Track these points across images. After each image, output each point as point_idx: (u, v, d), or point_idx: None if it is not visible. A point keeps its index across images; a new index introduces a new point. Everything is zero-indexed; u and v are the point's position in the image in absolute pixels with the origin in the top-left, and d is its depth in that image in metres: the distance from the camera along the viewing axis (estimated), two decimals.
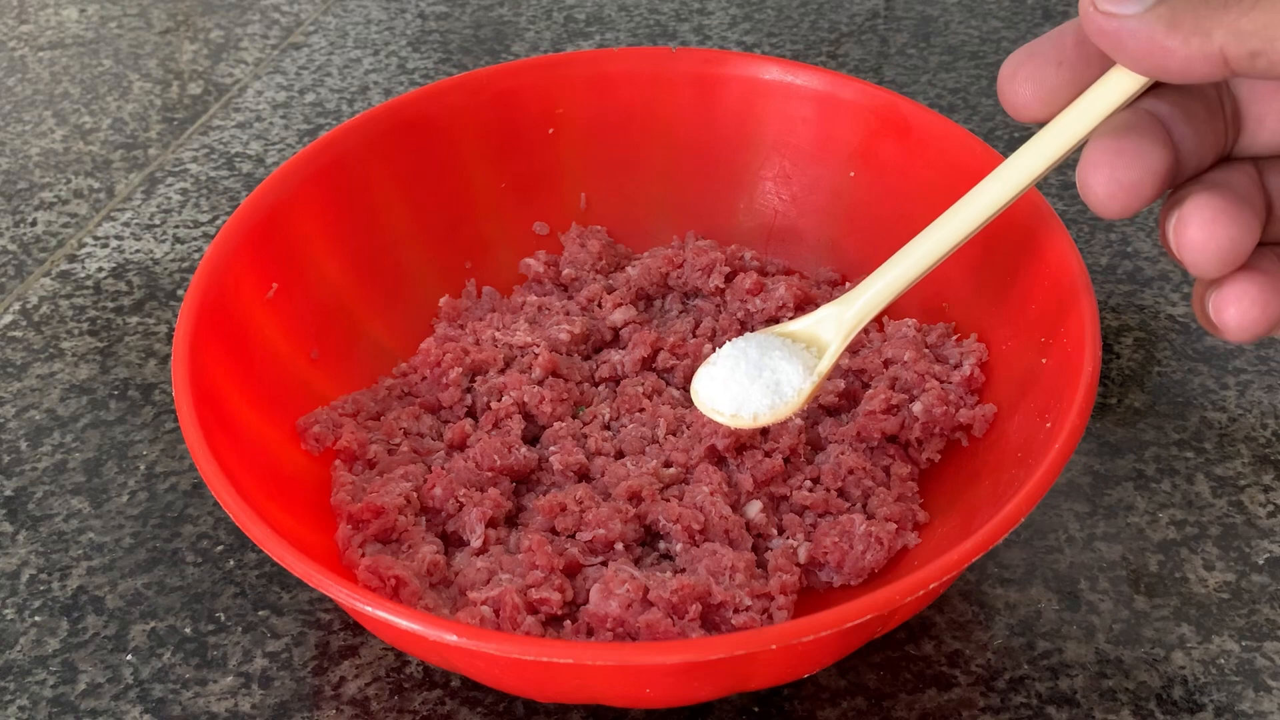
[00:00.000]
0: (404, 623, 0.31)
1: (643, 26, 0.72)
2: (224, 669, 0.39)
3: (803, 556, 0.39)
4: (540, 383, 0.44)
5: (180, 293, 0.54)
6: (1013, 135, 0.62)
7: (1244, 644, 0.39)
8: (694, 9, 0.74)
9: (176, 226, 0.58)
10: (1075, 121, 0.30)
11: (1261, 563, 0.42)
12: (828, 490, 0.41)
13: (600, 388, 0.46)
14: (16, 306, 0.53)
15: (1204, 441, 0.46)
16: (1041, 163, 0.31)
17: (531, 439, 0.44)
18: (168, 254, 0.56)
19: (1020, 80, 0.30)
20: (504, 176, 0.50)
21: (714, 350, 0.42)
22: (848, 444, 0.42)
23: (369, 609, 0.32)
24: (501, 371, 0.45)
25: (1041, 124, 0.31)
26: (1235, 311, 0.29)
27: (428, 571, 0.38)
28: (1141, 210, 0.29)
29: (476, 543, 0.40)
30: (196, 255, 0.56)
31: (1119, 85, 0.29)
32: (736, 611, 0.37)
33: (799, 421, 0.43)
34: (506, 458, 0.42)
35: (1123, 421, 0.47)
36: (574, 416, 0.44)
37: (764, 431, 0.42)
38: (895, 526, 0.39)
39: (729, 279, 0.48)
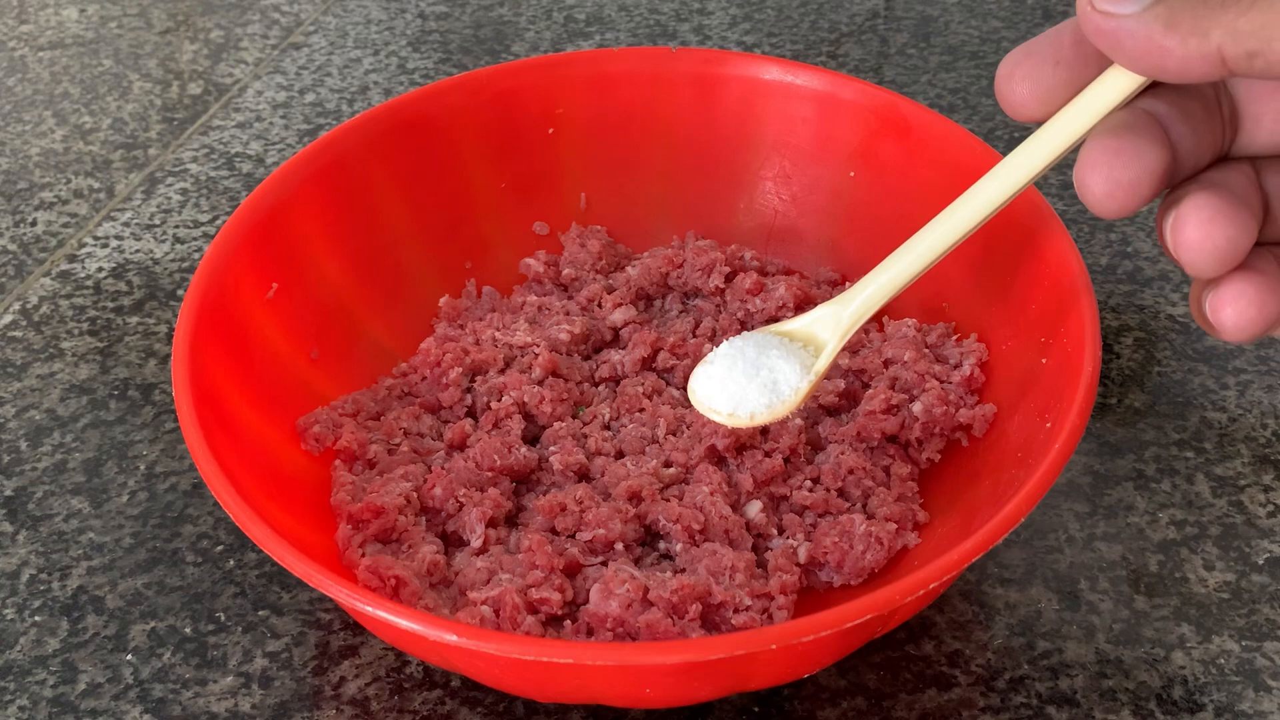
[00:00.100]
0: (404, 623, 0.31)
1: (643, 26, 0.72)
2: (224, 669, 0.39)
3: (803, 556, 0.39)
4: (540, 383, 0.44)
5: (180, 293, 0.54)
6: (1013, 135, 0.62)
7: (1244, 644, 0.39)
8: (694, 9, 0.74)
9: (176, 226, 0.58)
10: (1073, 121, 0.30)
11: (1261, 563, 0.42)
12: (828, 490, 0.41)
13: (600, 388, 0.46)
14: (16, 306, 0.53)
15: (1204, 441, 0.46)
16: (1039, 162, 0.31)
17: (531, 439, 0.44)
18: (168, 254, 0.56)
19: (1018, 79, 0.30)
20: (504, 176, 0.50)
21: (714, 350, 0.42)
22: (848, 444, 0.42)
23: (369, 609, 0.32)
24: (501, 371, 0.45)
25: (1039, 123, 0.31)
26: (1232, 311, 0.29)
27: (428, 571, 0.38)
28: (1139, 210, 0.29)
29: (476, 543, 0.40)
30: (196, 255, 0.56)
31: (1116, 85, 0.29)
32: (736, 611, 0.37)
33: (799, 421, 0.43)
34: (506, 458, 0.42)
35: (1123, 421, 0.47)
36: (574, 416, 0.44)
37: (764, 431, 0.42)
38: (895, 526, 0.39)
39: (729, 279, 0.48)
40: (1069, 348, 0.38)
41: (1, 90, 0.68)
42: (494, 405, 0.44)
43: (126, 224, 0.58)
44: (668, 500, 0.40)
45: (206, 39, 0.72)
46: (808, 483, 0.41)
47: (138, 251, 0.56)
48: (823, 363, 0.38)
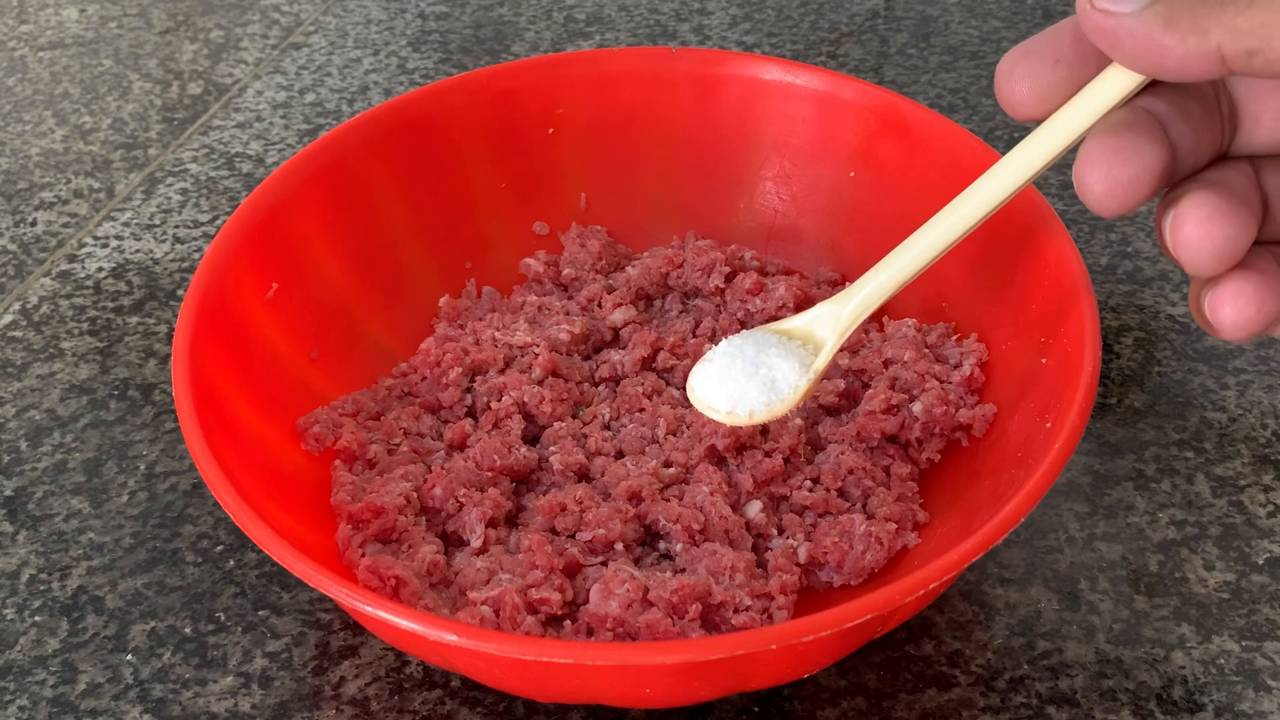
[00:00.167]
0: (404, 623, 0.31)
1: (643, 26, 0.72)
2: (224, 669, 0.39)
3: (803, 556, 0.39)
4: (540, 383, 0.44)
5: (180, 293, 0.54)
6: (1013, 135, 0.62)
7: (1244, 644, 0.39)
8: (694, 9, 0.74)
9: (176, 226, 0.58)
10: (1072, 119, 0.30)
11: (1261, 563, 0.42)
12: (828, 490, 0.41)
13: (600, 388, 0.46)
14: (16, 306, 0.53)
15: (1204, 441, 0.46)
16: (1038, 160, 0.31)
17: (531, 439, 0.44)
18: (168, 254, 0.56)
19: (1017, 78, 0.30)
20: (504, 176, 0.50)
21: (713, 349, 0.42)
22: (848, 444, 0.42)
23: (369, 609, 0.32)
24: (501, 371, 0.45)
25: (1039, 122, 0.31)
26: (1231, 310, 0.29)
27: (428, 571, 0.38)
28: (1139, 208, 0.29)
29: (476, 543, 0.40)
30: (196, 255, 0.56)
31: (1116, 83, 0.29)
32: (736, 611, 0.37)
33: (799, 421, 0.43)
34: (506, 458, 0.42)
35: (1123, 421, 0.47)
36: (574, 416, 0.44)
37: (764, 431, 0.42)
38: (895, 526, 0.39)
39: (729, 279, 0.48)
40: (1069, 348, 0.38)
41: (1, 90, 0.68)
42: (494, 405, 0.44)
43: (126, 224, 0.58)
44: (668, 500, 0.40)
45: (206, 39, 0.72)
46: (808, 483, 0.41)
47: (138, 251, 0.56)
48: (822, 361, 0.38)
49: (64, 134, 0.64)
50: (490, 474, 0.41)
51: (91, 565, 0.43)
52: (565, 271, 0.49)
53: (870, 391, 0.43)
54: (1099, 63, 0.30)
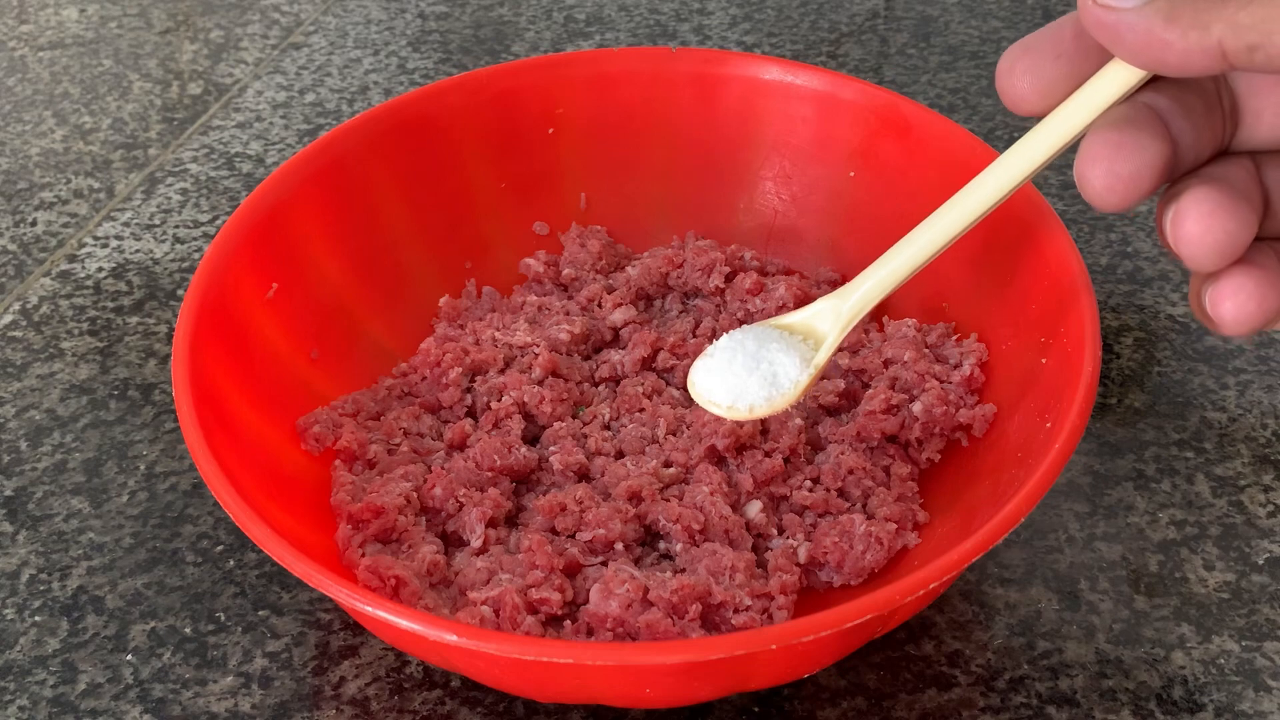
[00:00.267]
0: (404, 623, 0.31)
1: (643, 26, 0.72)
2: (224, 669, 0.39)
3: (803, 556, 0.39)
4: (540, 383, 0.44)
5: (180, 293, 0.54)
6: (1013, 135, 0.62)
7: (1244, 644, 0.39)
8: (694, 9, 0.74)
9: (176, 226, 0.58)
10: (1073, 115, 0.30)
11: (1261, 563, 0.42)
12: (828, 490, 0.41)
13: (600, 388, 0.46)
14: (16, 306, 0.53)
15: (1204, 441, 0.46)
16: (1039, 156, 0.31)
17: (531, 439, 0.44)
18: (168, 254, 0.56)
19: (1018, 73, 0.30)
20: (504, 176, 0.50)
21: (714, 343, 0.42)
22: (848, 444, 0.42)
23: (369, 609, 0.32)
24: (501, 371, 0.45)
25: (1040, 117, 0.31)
26: (1231, 305, 0.29)
27: (428, 571, 0.38)
28: (1139, 203, 0.29)
29: (476, 543, 0.40)
30: (196, 255, 0.56)
31: (1117, 79, 0.29)
32: (736, 611, 0.37)
33: (799, 421, 0.43)
34: (506, 458, 0.42)
35: (1123, 421, 0.47)
36: (574, 416, 0.44)
37: (764, 431, 0.42)
38: (895, 526, 0.39)
39: (729, 279, 0.48)
40: (1069, 348, 0.38)
41: (1, 90, 0.68)
42: (494, 405, 0.44)
43: (126, 224, 0.58)
44: (668, 500, 0.40)
45: (206, 39, 0.72)
46: (808, 483, 0.41)
47: (138, 251, 0.56)
48: (822, 356, 0.38)
49: (64, 134, 0.64)
50: (490, 474, 0.41)
51: (91, 565, 0.43)
52: (565, 271, 0.49)
53: (870, 391, 0.43)
54: (1100, 58, 0.29)
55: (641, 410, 0.44)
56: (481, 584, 0.38)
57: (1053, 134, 0.31)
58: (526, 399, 0.44)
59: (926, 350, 0.44)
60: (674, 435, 0.43)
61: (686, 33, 0.71)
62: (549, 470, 0.42)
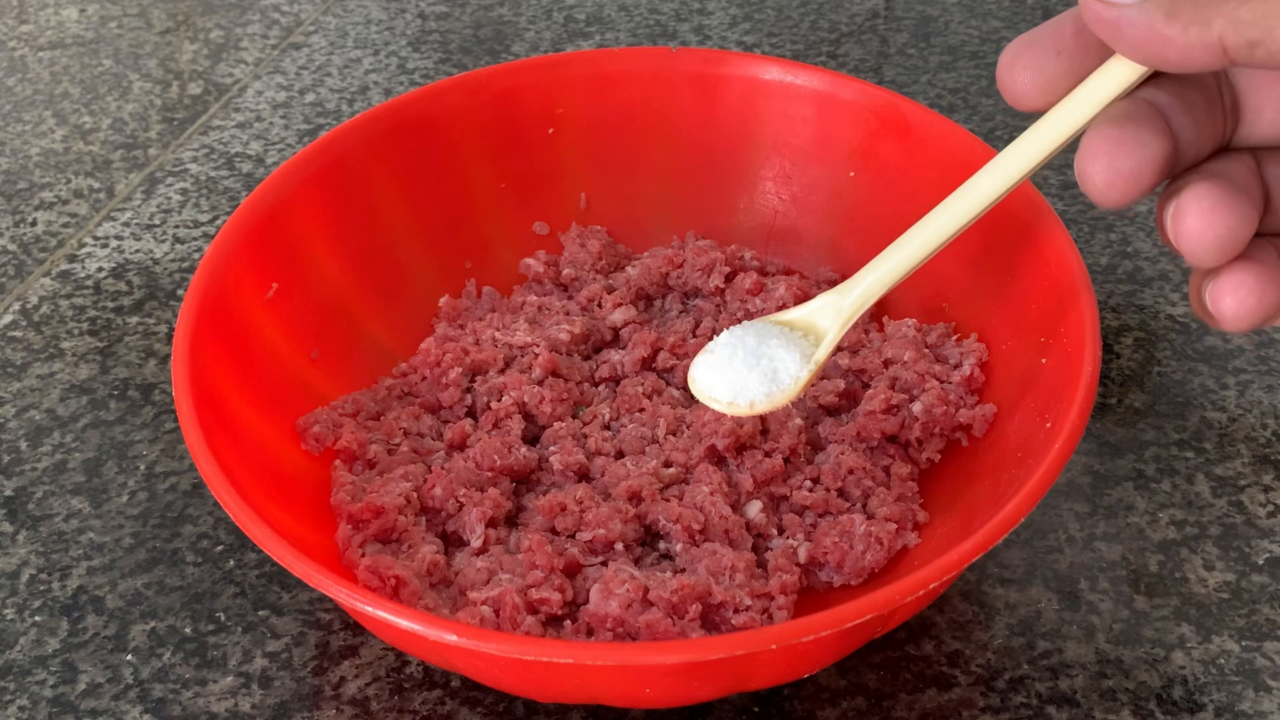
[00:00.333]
0: (404, 623, 0.31)
1: (643, 26, 0.72)
2: (224, 669, 0.39)
3: (803, 556, 0.39)
4: (540, 383, 0.44)
5: (180, 293, 0.54)
6: (1013, 135, 0.61)
7: (1244, 644, 0.39)
8: (694, 9, 0.74)
9: (176, 226, 0.58)
10: (1074, 110, 0.30)
11: (1261, 563, 0.42)
12: (828, 490, 0.41)
13: (600, 388, 0.46)
14: (16, 306, 0.53)
15: (1204, 441, 0.46)
16: (1040, 151, 0.31)
17: (531, 439, 0.44)
18: (168, 254, 0.56)
19: (1019, 69, 0.30)
20: (504, 176, 0.50)
21: (714, 339, 0.42)
22: (848, 444, 0.42)
23: (369, 609, 0.32)
24: (501, 371, 0.45)
25: (1040, 113, 0.31)
26: (1232, 301, 0.29)
27: (428, 571, 0.38)
28: (1140, 199, 0.29)
29: (476, 543, 0.40)
30: (196, 255, 0.56)
31: (1118, 74, 0.29)
32: (736, 611, 0.37)
33: (799, 421, 0.43)
34: (506, 458, 0.42)
35: (1123, 421, 0.47)
36: (574, 416, 0.44)
37: (764, 431, 0.42)
38: (895, 526, 0.39)
39: (729, 279, 0.48)
40: (1069, 348, 0.38)
41: (1, 90, 0.68)
42: (494, 405, 0.44)
43: (126, 224, 0.58)
44: (668, 500, 0.40)
45: (206, 39, 0.72)
46: (808, 483, 0.41)
47: (138, 251, 0.56)
48: (823, 352, 0.38)
49: (64, 134, 0.64)
50: (490, 474, 0.41)
51: (91, 565, 0.43)
52: (565, 271, 0.49)
53: (870, 391, 0.43)
54: (1101, 54, 0.29)
55: (641, 410, 0.44)
56: (481, 584, 0.38)
57: (1054, 130, 0.31)
58: (526, 399, 0.44)
59: (926, 350, 0.44)
60: (674, 435, 0.43)
61: (686, 33, 0.71)
62: (549, 470, 0.42)
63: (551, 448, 0.43)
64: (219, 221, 0.58)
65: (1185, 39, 0.26)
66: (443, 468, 0.42)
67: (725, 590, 0.37)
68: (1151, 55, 0.27)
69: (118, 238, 0.57)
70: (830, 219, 0.49)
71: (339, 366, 0.45)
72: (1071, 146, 0.31)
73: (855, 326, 0.46)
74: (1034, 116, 0.31)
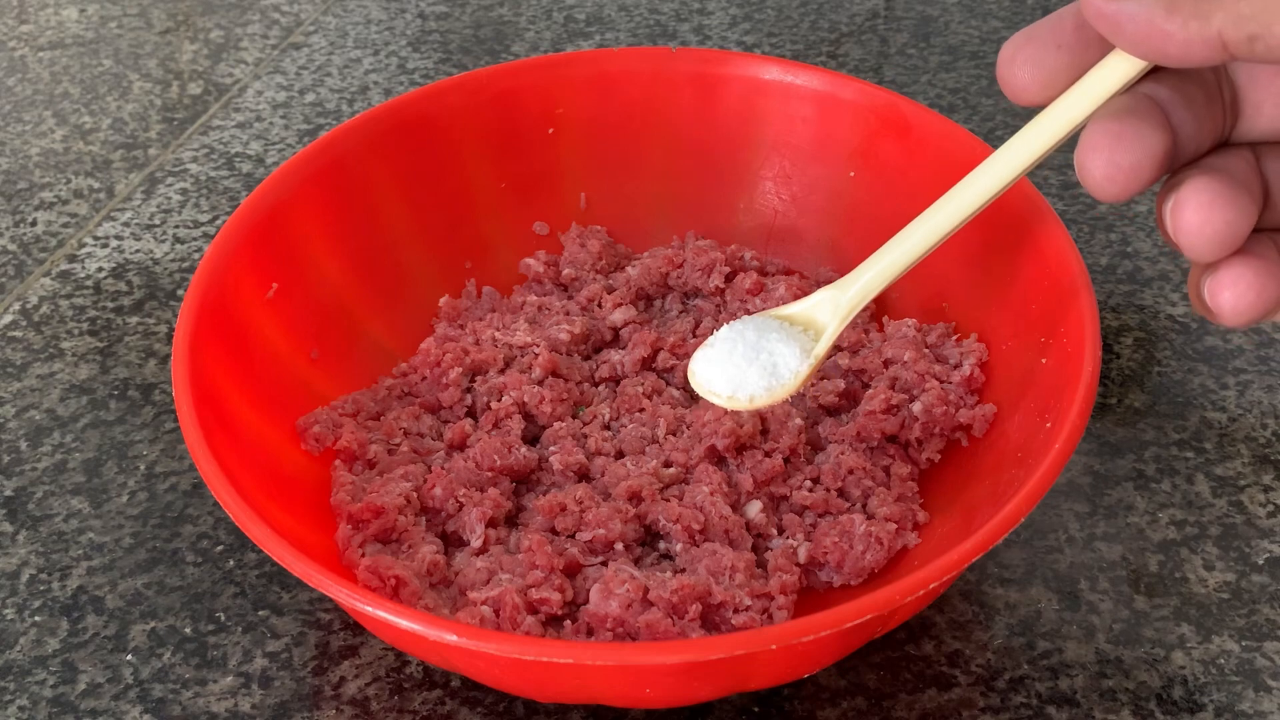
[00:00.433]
0: (404, 623, 0.31)
1: (643, 26, 0.72)
2: (224, 669, 0.39)
3: (803, 556, 0.39)
4: (540, 383, 0.44)
5: (180, 293, 0.54)
6: (1013, 135, 0.62)
7: (1244, 644, 0.39)
8: (694, 9, 0.74)
9: (176, 226, 0.58)
10: (1074, 105, 0.30)
11: (1261, 563, 0.42)
12: (828, 490, 0.41)
13: (600, 388, 0.46)
14: (16, 306, 0.53)
15: (1204, 441, 0.46)
16: (1040, 146, 0.31)
17: (531, 439, 0.44)
18: (168, 254, 0.56)
19: (1019, 63, 0.30)
20: (504, 176, 0.50)
21: (714, 333, 0.42)
22: (848, 444, 0.42)
23: (369, 609, 0.32)
24: (501, 371, 0.45)
25: (1040, 108, 0.31)
26: (1230, 295, 0.29)
27: (428, 571, 0.38)
28: (1139, 194, 0.29)
29: (476, 543, 0.40)
30: (196, 255, 0.56)
31: (1118, 69, 0.29)
32: (736, 611, 0.37)
33: (799, 421, 0.43)
34: (506, 458, 0.42)
35: (1123, 421, 0.47)
36: (574, 416, 0.44)
37: (764, 431, 0.42)
38: (895, 526, 0.39)
39: (729, 279, 0.48)
40: (1069, 348, 0.38)
41: (1, 90, 0.68)
42: (494, 405, 0.44)
43: (126, 224, 0.58)
44: (668, 500, 0.40)
45: (206, 39, 0.72)
46: (808, 483, 0.41)
47: (138, 251, 0.56)
48: (822, 346, 0.38)
49: (64, 134, 0.64)
50: (490, 474, 0.41)
51: (91, 565, 0.43)
52: (565, 271, 0.49)
53: (870, 391, 0.43)
54: (1101, 48, 0.29)
55: (641, 410, 0.44)
56: (481, 584, 0.38)
57: (1054, 124, 0.31)
58: (526, 399, 0.44)
59: (926, 350, 0.44)
60: (674, 435, 0.43)
61: (686, 33, 0.71)
62: (549, 470, 0.42)
63: (551, 448, 0.43)
64: (219, 221, 0.58)
65: (1185, 34, 0.26)
66: (443, 468, 0.42)
67: (725, 590, 0.37)
68: (1151, 50, 0.27)
69: (118, 238, 0.57)
70: (830, 219, 0.49)
71: (339, 366, 0.45)
72: (1071, 144, 0.31)
73: (855, 326, 0.46)
74: (1033, 112, 0.31)
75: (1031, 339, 0.40)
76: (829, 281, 0.48)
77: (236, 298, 0.41)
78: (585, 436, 0.43)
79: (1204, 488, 0.44)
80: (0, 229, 0.58)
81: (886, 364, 0.44)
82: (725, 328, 0.39)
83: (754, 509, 0.40)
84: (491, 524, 0.40)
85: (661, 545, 0.40)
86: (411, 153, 0.48)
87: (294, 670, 0.39)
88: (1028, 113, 0.31)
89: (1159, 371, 0.49)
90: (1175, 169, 0.30)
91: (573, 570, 0.39)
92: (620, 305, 0.48)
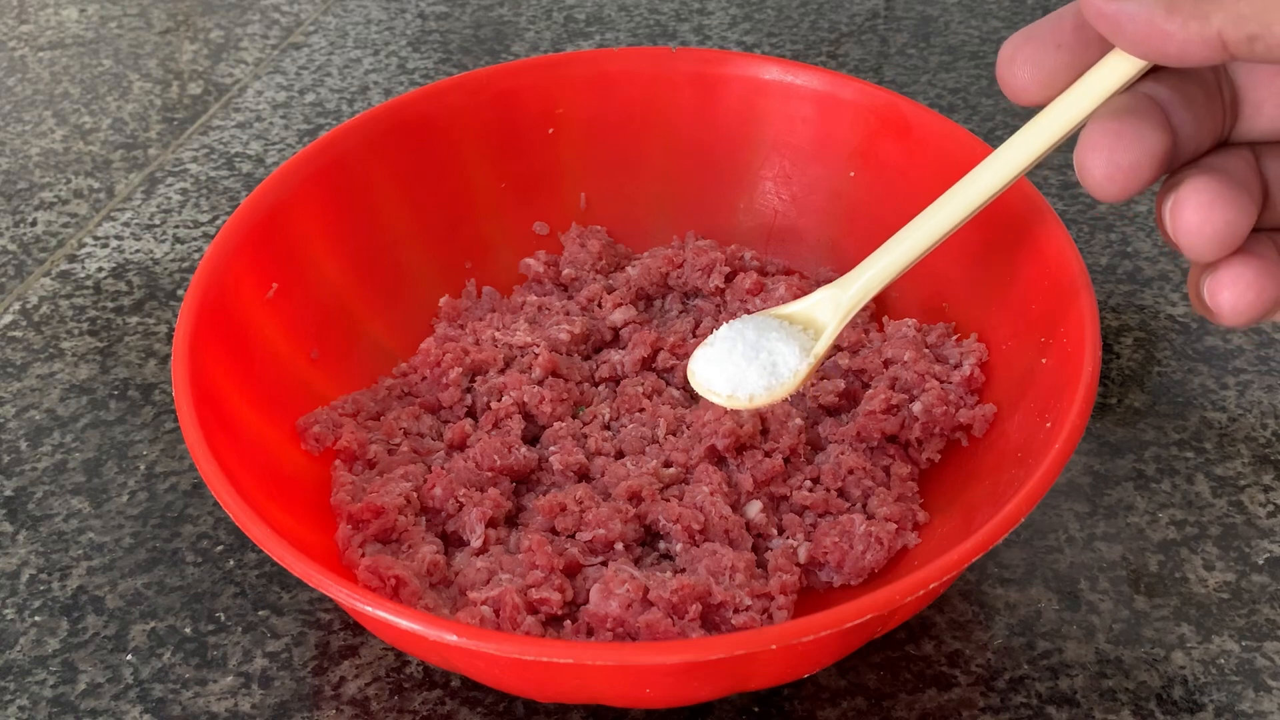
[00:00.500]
0: (404, 623, 0.31)
1: (643, 26, 0.72)
2: (224, 669, 0.39)
3: (803, 556, 0.39)
4: (540, 383, 0.44)
5: (180, 293, 0.54)
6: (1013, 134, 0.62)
7: (1244, 644, 0.39)
8: (694, 9, 0.74)
9: (176, 226, 0.58)
10: (1074, 104, 0.30)
11: (1261, 563, 0.42)
12: (828, 490, 0.41)
13: (600, 388, 0.46)
14: (16, 306, 0.53)
15: (1204, 441, 0.46)
16: (1040, 145, 0.31)
17: (531, 439, 0.44)
18: (168, 254, 0.56)
19: (1019, 63, 0.30)
20: (504, 176, 0.50)
21: (714, 332, 0.42)
22: (848, 444, 0.42)
23: (369, 609, 0.32)
24: (501, 371, 0.45)
25: (1039, 108, 0.31)
26: (1230, 295, 0.29)
27: (428, 571, 0.38)
28: (1139, 193, 0.29)
29: (476, 543, 0.40)
30: (196, 255, 0.56)
31: (1117, 69, 0.29)
32: (736, 611, 0.37)
33: (799, 421, 0.43)
34: (506, 458, 0.42)
35: (1123, 421, 0.47)
36: (574, 416, 0.44)
37: (764, 431, 0.42)
38: (895, 526, 0.39)
39: (729, 279, 0.48)
40: (1069, 347, 0.38)
41: (1, 90, 0.68)
42: (494, 405, 0.44)
43: (126, 224, 0.58)
44: (668, 500, 0.40)
45: (206, 39, 0.72)
46: (808, 483, 0.41)
47: (138, 251, 0.56)
48: (822, 345, 0.38)
49: (64, 134, 0.64)
50: (490, 474, 0.41)
51: (91, 565, 0.43)
52: (565, 271, 0.49)
53: (870, 391, 0.43)
54: (1101, 48, 0.29)
55: (641, 410, 0.44)
56: (481, 584, 0.38)
57: (1054, 123, 0.31)
58: (526, 399, 0.44)
59: (926, 350, 0.44)
60: (674, 435, 0.43)
61: (686, 33, 0.71)
62: (549, 470, 0.42)
63: (551, 448, 0.43)
64: (219, 221, 0.58)
65: (1185, 33, 0.26)
66: (443, 468, 0.42)
67: (725, 590, 0.37)
68: (1151, 50, 0.27)
69: (118, 238, 0.57)
70: (830, 219, 0.49)
71: (339, 366, 0.45)
72: (1071, 144, 0.31)
73: (855, 326, 0.46)
74: (1033, 112, 0.31)
75: (1031, 339, 0.40)
76: (829, 281, 0.49)
77: (236, 298, 0.41)
78: (585, 436, 0.43)
79: (1204, 488, 0.44)
80: (0, 229, 0.58)
81: (886, 364, 0.44)
82: (725, 327, 0.39)
83: (754, 509, 0.40)
84: (491, 524, 0.40)
85: (661, 545, 0.40)
86: (411, 153, 0.48)
87: (294, 670, 0.39)
88: (1028, 113, 0.31)
89: (1159, 371, 0.49)
90: (1175, 169, 0.30)
91: (573, 570, 0.39)
92: (620, 305, 0.48)
